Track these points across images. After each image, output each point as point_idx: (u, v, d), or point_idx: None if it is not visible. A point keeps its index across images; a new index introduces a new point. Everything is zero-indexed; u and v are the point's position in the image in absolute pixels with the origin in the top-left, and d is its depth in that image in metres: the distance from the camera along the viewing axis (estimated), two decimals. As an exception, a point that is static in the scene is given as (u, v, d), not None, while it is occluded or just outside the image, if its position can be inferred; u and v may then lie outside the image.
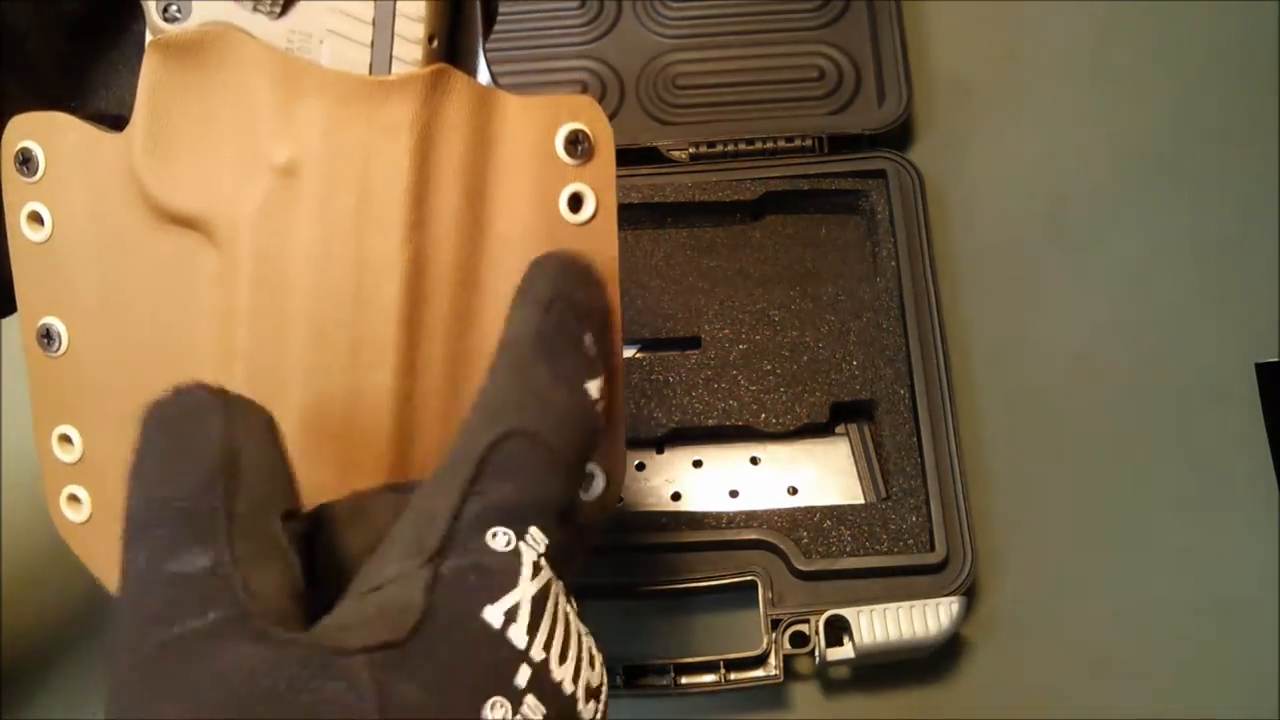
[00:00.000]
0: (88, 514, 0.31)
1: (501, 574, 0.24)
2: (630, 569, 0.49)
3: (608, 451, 0.30)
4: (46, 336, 0.31)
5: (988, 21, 0.61)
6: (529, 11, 0.61)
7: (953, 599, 0.46)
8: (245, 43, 0.28)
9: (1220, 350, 0.53)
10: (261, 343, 0.29)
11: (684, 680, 0.46)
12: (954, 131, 0.59)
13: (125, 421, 0.28)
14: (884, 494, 0.50)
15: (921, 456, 0.50)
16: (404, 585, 0.23)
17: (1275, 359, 0.53)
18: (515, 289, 0.27)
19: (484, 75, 0.30)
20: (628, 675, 0.46)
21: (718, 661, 0.46)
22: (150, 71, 0.29)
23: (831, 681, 0.49)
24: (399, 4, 0.29)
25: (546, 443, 0.25)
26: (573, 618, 0.25)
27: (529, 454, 0.25)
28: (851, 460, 0.52)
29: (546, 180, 0.29)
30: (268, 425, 0.25)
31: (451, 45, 0.30)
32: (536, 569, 0.24)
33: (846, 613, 0.46)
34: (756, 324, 0.54)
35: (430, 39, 0.29)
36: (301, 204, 0.28)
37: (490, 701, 0.22)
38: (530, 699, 0.23)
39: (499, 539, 0.24)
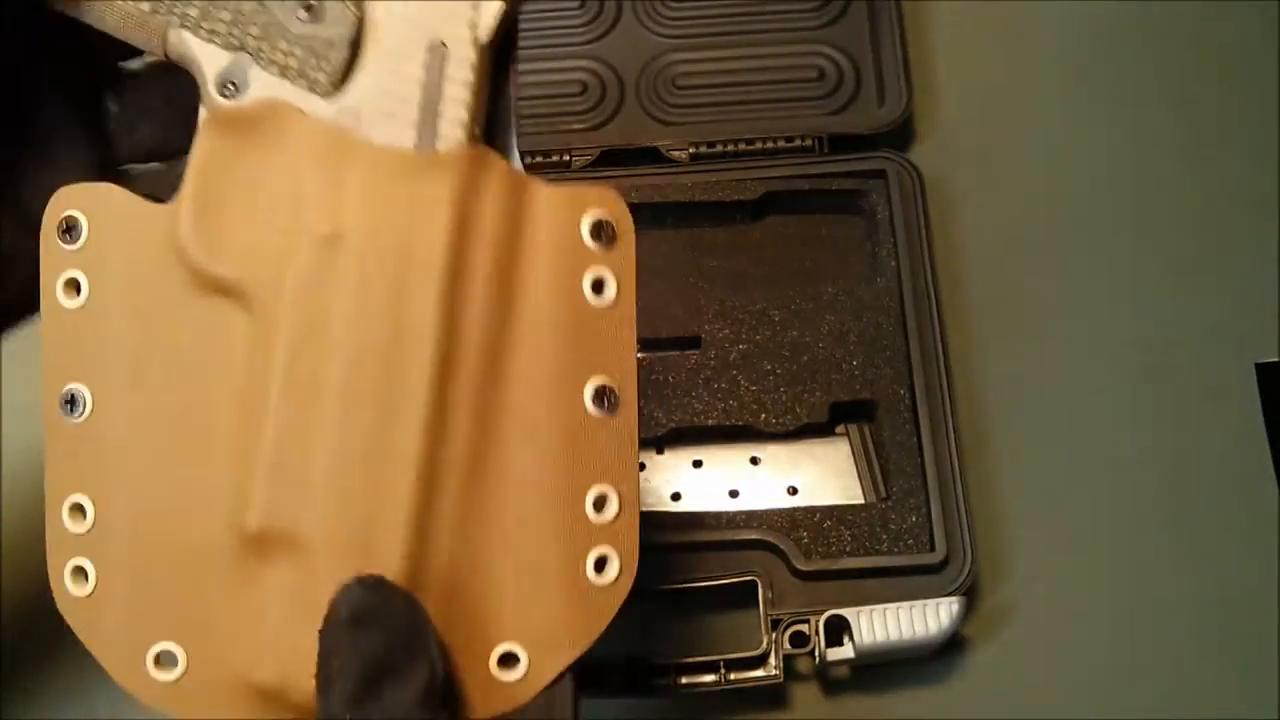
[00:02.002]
0: (92, 588, 0.31)
1: None
2: (630, 569, 0.49)
3: (620, 534, 0.31)
4: (70, 403, 0.31)
5: (988, 21, 0.61)
6: (529, 11, 0.60)
7: (953, 599, 0.46)
8: (297, 119, 0.30)
9: (1220, 350, 0.53)
10: (292, 403, 0.29)
11: (684, 680, 0.46)
12: (954, 131, 0.59)
13: (142, 490, 0.30)
14: (884, 494, 0.50)
15: (921, 456, 0.50)
16: None
17: (1275, 359, 0.53)
18: (539, 366, 0.30)
19: (516, 163, 0.32)
20: (628, 675, 0.46)
21: (718, 661, 0.46)
22: (204, 143, 0.30)
23: (831, 681, 0.49)
24: (445, 89, 0.30)
25: None
26: None
27: None
28: (851, 460, 0.52)
29: (572, 264, 0.31)
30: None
31: (488, 138, 0.32)
32: None
33: (846, 613, 0.46)
34: (756, 324, 0.53)
35: (472, 123, 0.31)
36: (342, 270, 0.29)
37: None
38: None
39: None
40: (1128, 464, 0.51)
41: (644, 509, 0.51)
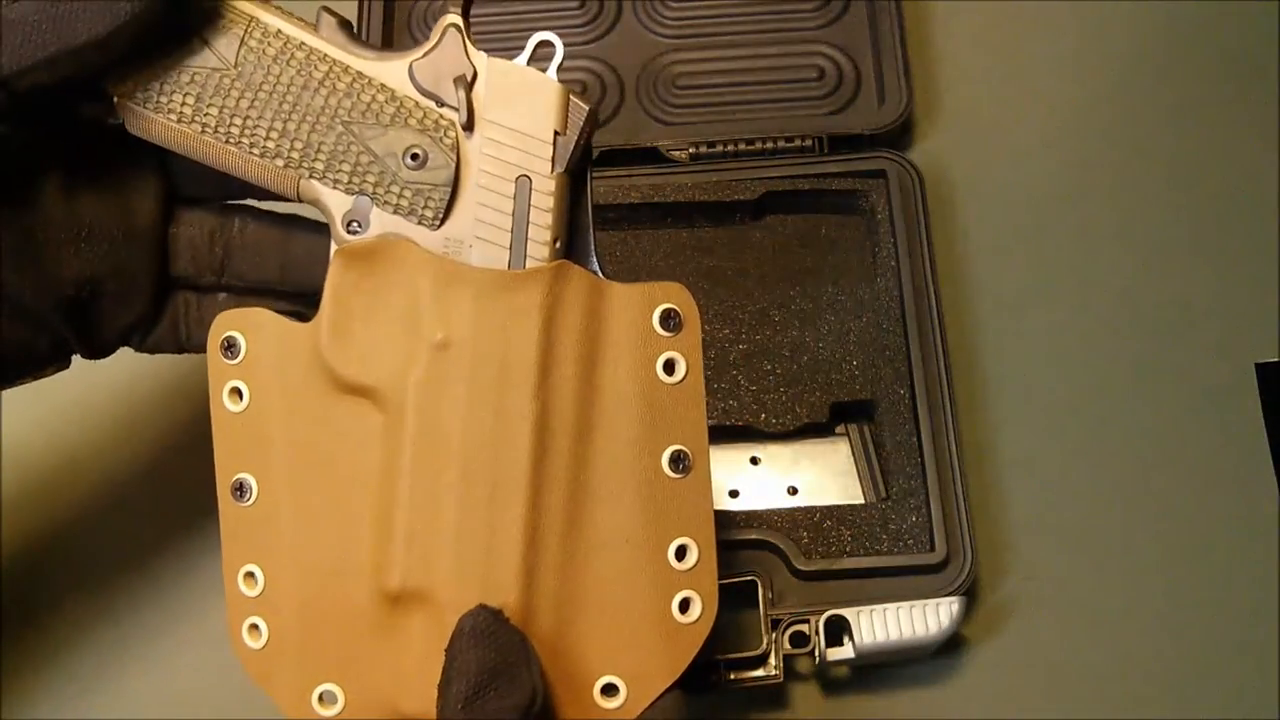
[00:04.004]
0: (264, 641, 0.37)
1: None
2: (630, 569, 0.49)
3: (700, 579, 0.36)
4: (239, 490, 0.37)
5: (988, 21, 0.61)
6: (529, 11, 0.61)
7: (953, 599, 0.46)
8: (411, 249, 0.36)
9: (1220, 350, 0.53)
10: (420, 484, 0.35)
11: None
12: (954, 132, 0.59)
13: (302, 559, 0.36)
14: (884, 494, 0.50)
15: (921, 456, 0.50)
16: None
17: (1275, 359, 0.53)
18: (621, 439, 0.36)
19: (594, 266, 0.38)
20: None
21: (718, 661, 0.46)
22: (335, 273, 0.36)
23: (831, 681, 0.49)
24: (530, 215, 0.36)
25: None
26: None
27: None
28: (851, 460, 0.52)
29: (645, 350, 0.37)
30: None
31: (570, 245, 0.38)
32: None
33: (846, 613, 0.46)
34: (756, 324, 0.54)
35: (554, 241, 0.37)
36: (454, 372, 0.35)
37: None
38: None
39: None
40: (1128, 464, 0.51)
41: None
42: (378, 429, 0.36)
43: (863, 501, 0.51)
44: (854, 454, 0.52)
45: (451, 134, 0.37)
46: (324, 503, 0.37)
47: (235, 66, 0.36)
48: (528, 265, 0.36)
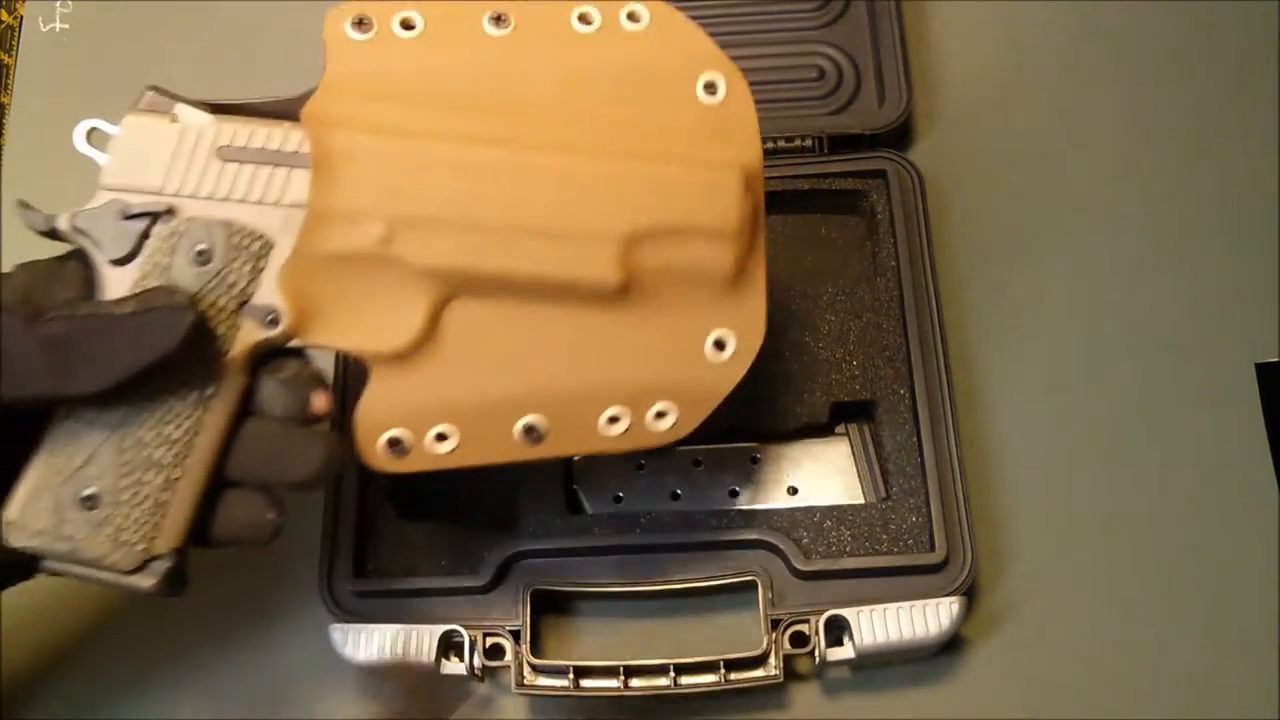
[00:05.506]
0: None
1: None
2: (630, 569, 0.49)
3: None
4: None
5: (988, 21, 0.61)
6: (529, 11, 0.61)
7: (953, 599, 0.46)
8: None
9: (1220, 350, 0.53)
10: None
11: (684, 680, 0.46)
12: (954, 131, 0.59)
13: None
14: (884, 494, 0.50)
15: (921, 456, 0.50)
16: None
17: (1275, 359, 0.53)
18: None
19: None
20: (627, 675, 0.46)
21: (718, 661, 0.46)
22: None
23: (831, 681, 0.49)
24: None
25: None
26: None
27: None
28: (851, 460, 0.52)
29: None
30: None
31: None
32: None
33: (846, 613, 0.46)
34: (756, 324, 0.53)
35: None
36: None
37: None
38: None
39: None
40: (1127, 464, 0.51)
41: (644, 509, 0.51)
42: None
43: (863, 501, 0.51)
44: (854, 454, 0.52)
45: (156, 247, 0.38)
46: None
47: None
48: None
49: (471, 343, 0.40)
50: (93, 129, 0.39)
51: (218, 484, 0.38)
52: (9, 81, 0.64)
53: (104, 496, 0.37)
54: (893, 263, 0.53)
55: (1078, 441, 0.52)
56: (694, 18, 0.60)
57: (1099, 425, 0.52)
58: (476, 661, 0.47)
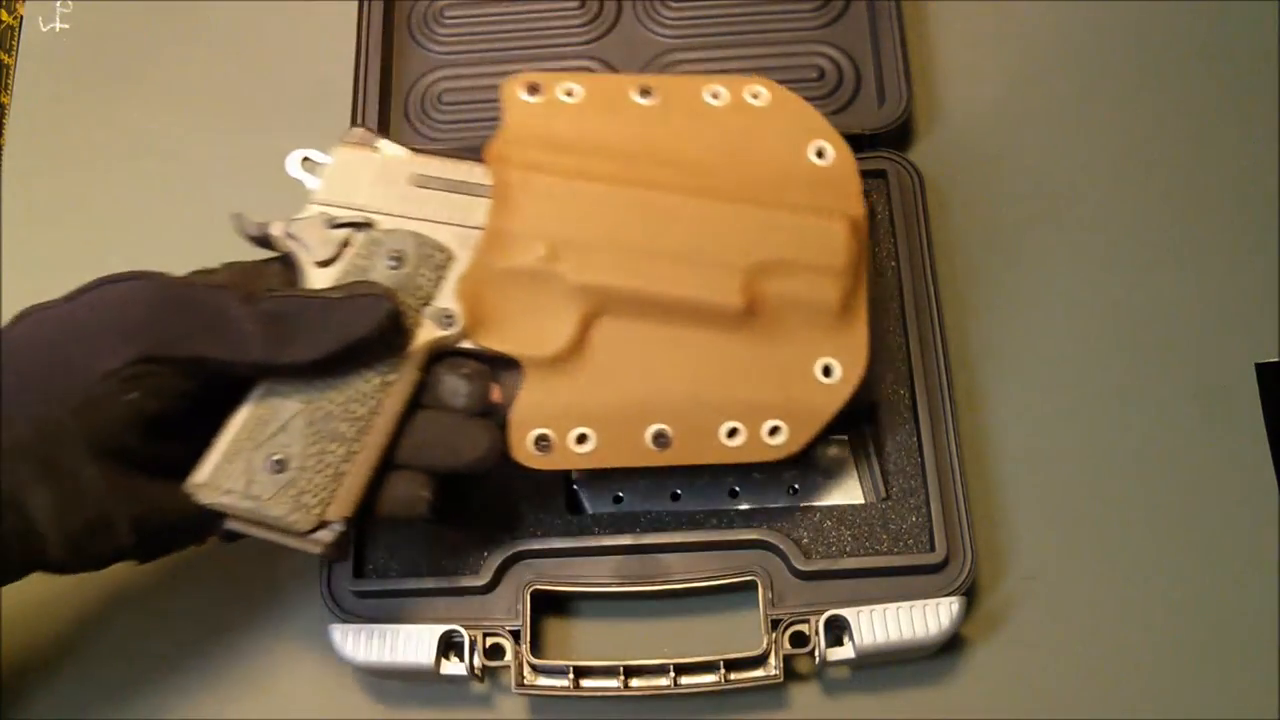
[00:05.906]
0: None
1: None
2: (630, 569, 0.49)
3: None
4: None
5: (988, 21, 0.61)
6: (529, 11, 0.61)
7: (953, 599, 0.46)
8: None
9: (1220, 350, 0.53)
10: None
11: (684, 680, 0.47)
12: (954, 131, 0.59)
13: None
14: (884, 494, 0.50)
15: (921, 456, 0.50)
16: None
17: (1275, 359, 0.53)
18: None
19: None
20: (627, 675, 0.46)
21: (718, 661, 0.46)
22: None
23: (831, 681, 0.49)
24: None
25: None
26: None
27: None
28: (851, 460, 0.52)
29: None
30: None
31: None
32: None
33: (846, 613, 0.46)
34: (756, 324, 0.53)
35: None
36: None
37: None
38: None
39: None
40: (1128, 464, 0.51)
41: (644, 509, 0.51)
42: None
43: (863, 501, 0.51)
44: (854, 454, 0.52)
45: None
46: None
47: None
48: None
49: (613, 355, 0.45)
50: (305, 157, 0.46)
51: (385, 465, 0.43)
52: (9, 81, 0.64)
53: (292, 461, 0.41)
54: (893, 263, 0.53)
55: (1078, 441, 0.52)
56: (695, 17, 0.61)
57: (1099, 425, 0.52)
58: (476, 662, 0.47)
